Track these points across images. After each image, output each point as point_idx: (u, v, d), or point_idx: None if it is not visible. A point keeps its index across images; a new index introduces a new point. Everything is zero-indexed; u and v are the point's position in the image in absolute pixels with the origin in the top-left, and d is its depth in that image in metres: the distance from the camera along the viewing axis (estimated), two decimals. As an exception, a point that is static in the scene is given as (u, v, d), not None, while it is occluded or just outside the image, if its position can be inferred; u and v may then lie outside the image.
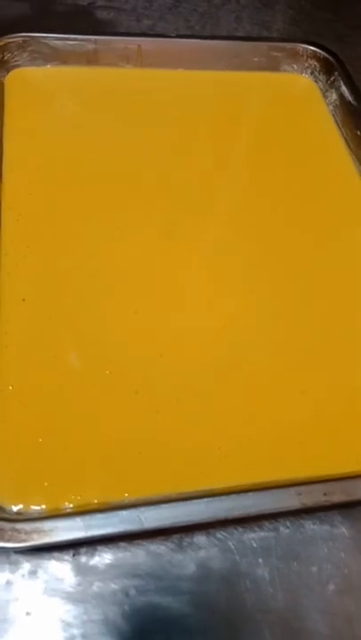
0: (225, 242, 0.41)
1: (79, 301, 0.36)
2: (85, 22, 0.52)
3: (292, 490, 0.28)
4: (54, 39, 0.47)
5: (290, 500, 0.28)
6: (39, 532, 0.26)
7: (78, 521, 0.26)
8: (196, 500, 0.27)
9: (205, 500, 0.27)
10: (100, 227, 0.39)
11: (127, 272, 0.38)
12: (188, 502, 0.27)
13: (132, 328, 0.35)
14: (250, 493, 0.28)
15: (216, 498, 0.28)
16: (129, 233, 0.39)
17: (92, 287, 0.36)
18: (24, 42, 0.46)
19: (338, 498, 0.28)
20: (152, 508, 0.27)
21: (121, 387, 0.33)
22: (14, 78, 0.46)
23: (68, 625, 0.27)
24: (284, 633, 0.27)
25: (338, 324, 0.37)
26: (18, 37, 0.46)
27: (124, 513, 0.26)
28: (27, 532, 0.25)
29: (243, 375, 0.34)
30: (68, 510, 0.28)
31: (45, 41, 0.46)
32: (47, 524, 0.26)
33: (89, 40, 0.48)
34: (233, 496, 0.28)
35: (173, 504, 0.27)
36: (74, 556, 0.28)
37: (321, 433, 0.33)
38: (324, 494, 0.28)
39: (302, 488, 0.28)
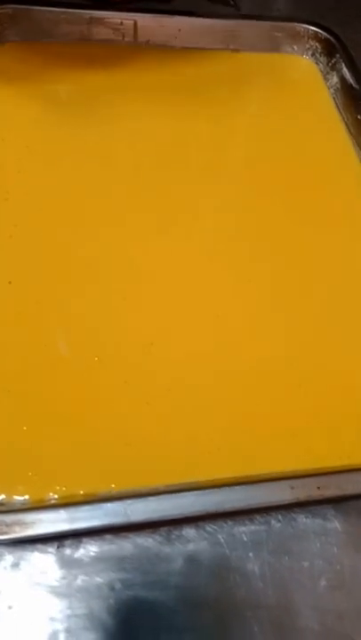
0: (221, 229, 0.39)
1: (68, 285, 0.34)
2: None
3: (285, 483, 0.27)
4: (47, 12, 0.45)
5: (283, 494, 0.27)
6: (21, 524, 0.25)
7: (62, 513, 0.25)
8: (185, 493, 0.26)
9: (195, 492, 0.26)
10: (91, 209, 0.38)
11: (119, 256, 0.36)
12: (177, 495, 0.26)
13: (122, 315, 0.34)
14: (241, 486, 0.27)
15: (206, 491, 0.27)
16: (122, 216, 0.38)
17: (81, 271, 0.35)
18: (15, 14, 0.44)
19: (331, 492, 0.27)
20: (139, 500, 0.26)
21: (110, 375, 0.32)
22: (5, 52, 0.45)
23: (51, 619, 0.26)
24: (275, 629, 0.27)
25: (335, 318, 0.36)
26: (8, 8, 0.44)
27: (109, 505, 0.25)
28: (7, 525, 0.24)
29: (236, 367, 0.33)
30: (53, 501, 0.27)
31: (37, 13, 0.45)
32: (29, 516, 0.25)
33: (84, 14, 0.46)
34: (224, 489, 0.27)
35: (161, 497, 0.26)
36: (58, 548, 0.27)
37: (315, 426, 0.32)
38: (318, 488, 0.27)
39: (295, 481, 0.27)
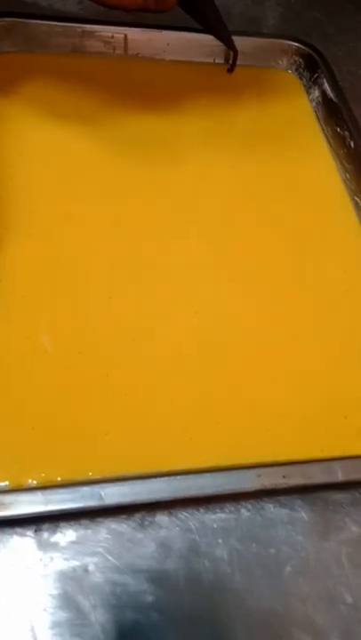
0: (204, 232, 0.41)
1: (54, 282, 0.36)
2: (73, 9, 0.52)
3: (252, 471, 0.29)
4: (41, 25, 0.47)
5: (249, 481, 0.29)
6: (-1, 504, 0.26)
7: (39, 495, 0.27)
8: (156, 479, 0.28)
9: (166, 478, 0.28)
10: (79, 212, 0.40)
11: (104, 256, 0.38)
12: (149, 480, 0.28)
13: (106, 312, 0.36)
14: (210, 474, 0.28)
15: (177, 477, 0.28)
16: (109, 218, 0.40)
17: (67, 270, 0.37)
18: (10, 26, 0.46)
19: (296, 481, 0.29)
20: (113, 484, 0.27)
21: (91, 369, 0.33)
22: (0, 62, 0.46)
23: (27, 598, 0.27)
24: (240, 611, 0.28)
25: (309, 317, 0.38)
26: (5, 21, 0.46)
27: (85, 489, 0.27)
28: (-13, 505, 0.26)
29: (211, 363, 0.35)
30: (32, 486, 0.28)
31: (32, 26, 0.47)
32: (8, 498, 0.26)
33: (76, 27, 0.48)
34: (193, 475, 0.28)
35: (134, 482, 0.28)
36: (36, 532, 0.29)
37: (285, 420, 0.33)
38: (283, 477, 0.29)
39: (262, 470, 0.29)
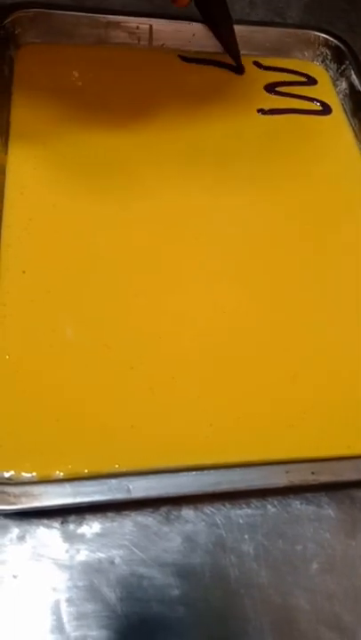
0: (226, 230, 0.41)
1: (79, 276, 0.36)
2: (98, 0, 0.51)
3: (281, 467, 0.29)
4: (67, 15, 0.47)
5: (278, 477, 0.28)
6: (28, 495, 0.26)
7: (67, 487, 0.27)
8: (184, 473, 0.28)
9: (194, 473, 0.28)
10: (103, 204, 0.40)
11: (129, 252, 0.38)
12: (177, 474, 0.28)
13: (131, 307, 0.35)
14: (238, 469, 0.28)
15: (205, 472, 0.28)
16: (134, 213, 0.40)
17: (92, 263, 0.37)
18: (35, 17, 0.46)
19: (325, 478, 0.29)
20: (141, 477, 0.27)
21: (117, 362, 0.33)
22: (24, 53, 0.46)
23: (53, 589, 0.27)
24: (266, 607, 0.28)
25: (331, 314, 0.38)
26: (29, 12, 0.46)
27: (112, 481, 0.27)
28: (16, 496, 0.26)
29: (238, 358, 0.34)
30: (59, 478, 0.28)
31: (57, 17, 0.46)
32: (36, 489, 0.26)
33: (101, 18, 0.47)
34: (221, 471, 0.28)
35: (162, 475, 0.28)
36: (62, 523, 0.29)
37: (312, 417, 0.33)
38: (312, 473, 0.28)
39: (291, 466, 0.29)
